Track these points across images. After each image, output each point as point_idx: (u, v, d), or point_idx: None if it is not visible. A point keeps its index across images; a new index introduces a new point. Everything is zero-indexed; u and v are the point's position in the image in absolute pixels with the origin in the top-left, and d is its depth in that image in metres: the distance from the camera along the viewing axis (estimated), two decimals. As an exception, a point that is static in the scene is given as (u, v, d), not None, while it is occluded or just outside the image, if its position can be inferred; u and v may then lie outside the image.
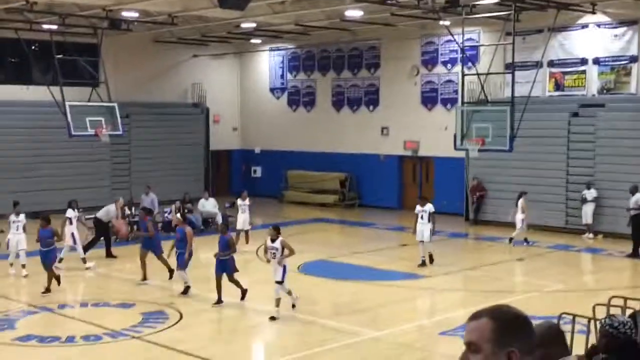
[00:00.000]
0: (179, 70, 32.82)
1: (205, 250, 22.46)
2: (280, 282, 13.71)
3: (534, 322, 2.62)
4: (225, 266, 14.80)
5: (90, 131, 24.04)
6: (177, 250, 15.84)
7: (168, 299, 15.09)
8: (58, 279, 15.86)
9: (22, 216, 17.99)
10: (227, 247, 14.88)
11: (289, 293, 13.98)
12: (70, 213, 18.27)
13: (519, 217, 21.15)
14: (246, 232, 21.14)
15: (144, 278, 16.75)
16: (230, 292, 16.04)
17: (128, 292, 16.15)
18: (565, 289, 16.34)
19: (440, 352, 12.20)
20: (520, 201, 21.23)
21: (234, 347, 12.72)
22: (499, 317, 2.54)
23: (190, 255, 15.75)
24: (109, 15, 23.10)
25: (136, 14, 23.75)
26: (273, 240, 13.76)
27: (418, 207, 18.37)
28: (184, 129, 31.49)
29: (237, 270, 14.97)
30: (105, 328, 13.12)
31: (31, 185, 26.66)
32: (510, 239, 21.17)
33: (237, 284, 14.90)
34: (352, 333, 13.00)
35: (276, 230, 13.88)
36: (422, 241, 18.23)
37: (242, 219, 21.11)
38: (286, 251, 13.69)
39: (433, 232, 18.35)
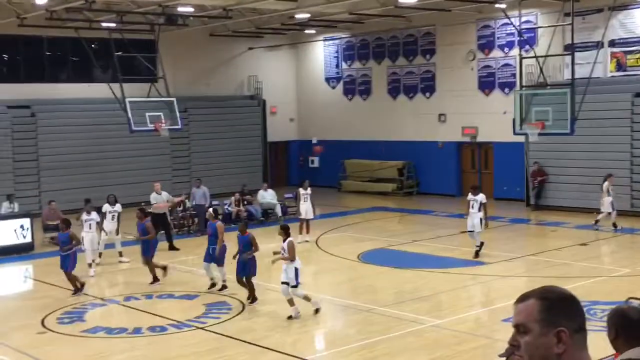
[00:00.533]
0: (235, 63, 33.10)
1: (265, 241, 22.71)
2: (295, 286, 13.19)
3: (607, 307, 2.61)
4: (246, 267, 14.32)
5: (150, 126, 24.43)
6: (210, 246, 15.34)
7: (230, 290, 15.25)
8: (81, 284, 15.48)
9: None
10: (248, 247, 14.42)
11: (306, 298, 13.36)
12: (105, 207, 18.64)
13: (606, 200, 20.64)
14: (307, 221, 21.17)
15: (155, 280, 16.12)
16: (302, 284, 16.18)
17: (191, 283, 16.40)
18: (632, 273, 16.00)
19: (502, 339, 12.03)
20: (605, 184, 20.74)
21: (297, 336, 12.82)
22: (546, 297, 2.53)
23: (224, 250, 15.26)
24: (165, 11, 23.44)
25: (191, 9, 24.04)
26: (283, 241, 13.43)
27: (470, 195, 18.12)
28: (241, 121, 31.77)
29: (255, 274, 14.45)
30: (171, 319, 13.37)
31: (95, 181, 27.25)
32: (596, 221, 20.79)
33: (251, 288, 14.35)
34: (414, 321, 12.97)
35: (284, 230, 13.56)
36: (472, 231, 17.90)
37: (305, 208, 21.10)
38: (285, 254, 13.24)
39: (485, 223, 17.93)
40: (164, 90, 25.33)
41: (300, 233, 20.72)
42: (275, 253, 13.66)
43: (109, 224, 18.66)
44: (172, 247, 20.32)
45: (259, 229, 23.75)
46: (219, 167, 30.57)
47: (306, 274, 16.47)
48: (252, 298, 14.33)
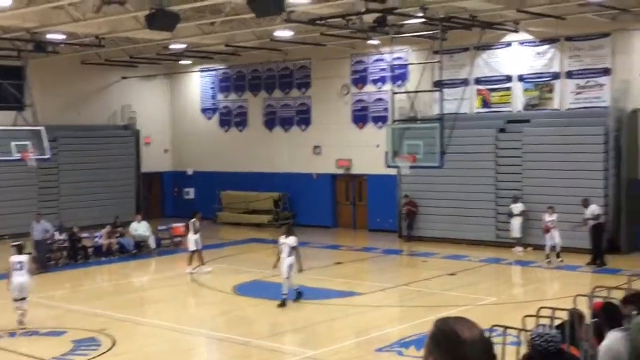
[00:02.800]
0: (108, 92, 32.38)
1: (137, 274, 22.19)
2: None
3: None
4: None
5: (16, 156, 23.48)
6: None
7: (100, 325, 14.76)
8: None
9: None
10: None
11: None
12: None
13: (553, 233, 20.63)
14: (199, 251, 20.81)
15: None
16: (163, 316, 15.90)
17: (58, 319, 15.75)
18: (497, 301, 16.66)
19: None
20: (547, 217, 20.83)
21: (170, 371, 12.52)
22: (433, 326, 2.71)
23: None
24: (34, 38, 22.67)
25: (62, 36, 23.36)
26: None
27: (281, 239, 16.56)
28: (114, 151, 31.02)
29: None
30: (35, 357, 12.77)
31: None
32: (547, 256, 20.70)
33: None
34: (289, 353, 12.96)
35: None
36: (288, 277, 16.33)
37: (194, 240, 20.74)
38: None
39: (299, 268, 16.50)
40: (31, 118, 24.43)
41: (189, 264, 20.55)
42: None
43: None
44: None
45: (132, 261, 23.22)
46: (90, 198, 29.67)
47: (180, 307, 16.21)
48: None
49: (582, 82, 23.30)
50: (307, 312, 16.42)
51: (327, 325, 15.07)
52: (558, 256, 20.63)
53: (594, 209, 20.41)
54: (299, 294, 16.64)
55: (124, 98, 32.54)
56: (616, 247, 21.78)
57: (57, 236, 22.77)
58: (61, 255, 22.67)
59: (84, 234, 23.65)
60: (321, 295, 17.89)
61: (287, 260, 16.32)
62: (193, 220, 21.17)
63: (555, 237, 20.56)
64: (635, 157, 22.21)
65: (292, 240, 16.46)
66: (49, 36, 23.05)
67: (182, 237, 25.48)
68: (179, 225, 25.81)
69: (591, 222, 20.31)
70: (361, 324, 15.18)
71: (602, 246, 20.45)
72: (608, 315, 6.46)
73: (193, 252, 20.69)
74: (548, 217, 20.70)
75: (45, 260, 21.36)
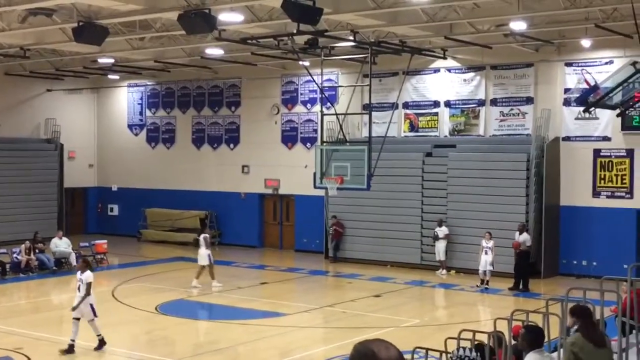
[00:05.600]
0: (32, 104, 31.59)
1: (57, 292, 21.61)
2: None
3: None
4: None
5: None
6: None
7: (16, 344, 14.29)
8: None
9: None
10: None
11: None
12: None
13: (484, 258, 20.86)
14: (211, 267, 20.79)
15: None
16: (82, 335, 15.49)
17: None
18: (420, 323, 16.84)
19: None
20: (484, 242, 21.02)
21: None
22: (353, 349, 2.84)
23: None
24: (-45, 46, 22.01)
25: (-14, 46, 22.76)
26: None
27: (78, 274, 14.40)
28: (36, 165, 30.22)
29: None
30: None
31: None
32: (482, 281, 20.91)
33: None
34: (212, 374, 12.78)
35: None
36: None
37: (206, 255, 20.69)
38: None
39: (76, 305, 14.04)
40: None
41: (197, 278, 20.62)
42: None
43: None
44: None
45: (52, 278, 22.62)
46: (9, 212, 28.79)
47: (102, 326, 15.78)
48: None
49: (506, 109, 23.93)
50: (231, 333, 16.28)
51: (251, 345, 14.95)
52: (486, 282, 20.80)
53: (526, 237, 20.88)
54: (101, 342, 14.16)
55: (48, 111, 31.79)
56: (537, 271, 22.32)
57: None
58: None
59: (2, 250, 22.94)
60: (246, 315, 17.77)
61: (87, 300, 14.05)
62: (204, 235, 21.27)
63: (487, 263, 20.80)
64: (556, 184, 22.88)
65: (87, 276, 14.10)
66: (-29, 45, 22.43)
67: (104, 255, 25.01)
68: (101, 242, 25.32)
69: (521, 248, 20.75)
70: (286, 345, 15.11)
71: (525, 274, 20.80)
72: (529, 337, 6.61)
73: (203, 267, 20.71)
74: (485, 243, 21.02)
75: (89, 262, 20.56)
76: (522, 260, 20.84)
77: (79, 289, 14.07)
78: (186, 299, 19.61)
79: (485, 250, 20.90)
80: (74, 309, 13.96)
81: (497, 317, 9.66)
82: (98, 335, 14.11)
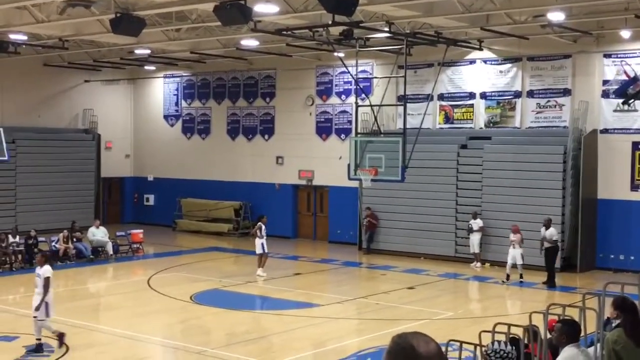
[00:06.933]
0: (70, 95, 32.00)
1: (94, 280, 21.92)
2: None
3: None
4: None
5: (-27, 156, 23.10)
6: None
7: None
8: None
9: None
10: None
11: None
12: None
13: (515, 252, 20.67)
14: (265, 255, 21.25)
15: None
16: (118, 323, 15.74)
17: (11, 324, 15.46)
18: (454, 316, 16.77)
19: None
20: (513, 237, 20.75)
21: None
22: (391, 341, 2.74)
23: None
24: (-5, 37, 22.34)
25: (25, 37, 23.06)
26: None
27: (37, 269, 13.70)
28: (74, 155, 30.62)
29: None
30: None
31: None
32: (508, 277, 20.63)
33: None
34: (245, 363, 12.88)
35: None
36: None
37: (260, 243, 21.05)
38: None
39: (37, 305, 13.18)
40: (-10, 119, 24.07)
41: (259, 266, 21.06)
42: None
43: None
44: None
45: (89, 267, 22.93)
46: (48, 201, 29.24)
47: (137, 315, 16.03)
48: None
49: (542, 101, 23.66)
50: (265, 323, 16.38)
51: (284, 336, 15.02)
52: (520, 276, 20.61)
53: (552, 232, 20.43)
54: (39, 347, 13.14)
55: (86, 102, 32.19)
56: (572, 265, 22.09)
57: (12, 239, 22.40)
58: (16, 258, 22.28)
59: (41, 238, 23.30)
60: (279, 305, 17.85)
61: (38, 298, 13.21)
62: (260, 224, 21.35)
63: (516, 257, 20.62)
64: (593, 177, 22.59)
65: (45, 270, 13.24)
66: (12, 36, 22.73)
67: (140, 244, 25.29)
68: (137, 232, 25.59)
69: (547, 244, 20.30)
70: (319, 336, 15.16)
71: (554, 268, 20.48)
72: (566, 331, 6.53)
73: (260, 255, 21.05)
74: (512, 237, 20.80)
75: (48, 256, 20.89)
76: (549, 255, 20.39)
77: (37, 284, 13.18)
78: (221, 288, 19.75)
79: (513, 245, 20.69)
80: (37, 308, 13.03)
81: (532, 311, 9.59)
82: (38, 340, 13.13)
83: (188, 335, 14.92)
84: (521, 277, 20.59)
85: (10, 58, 26.18)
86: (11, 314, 16.41)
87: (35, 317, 13.08)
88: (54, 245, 23.31)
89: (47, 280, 13.07)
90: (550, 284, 20.14)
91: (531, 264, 20.99)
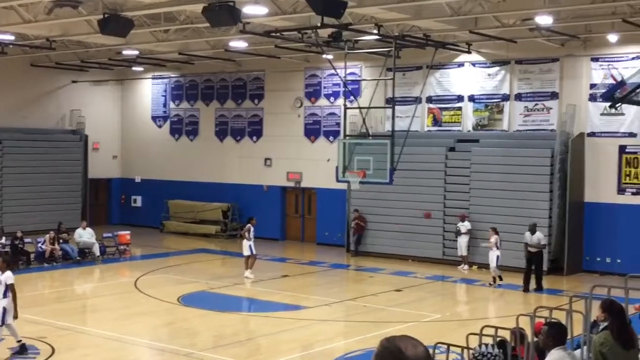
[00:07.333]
0: (57, 95, 31.84)
1: (80, 282, 21.81)
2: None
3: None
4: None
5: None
6: None
7: (40, 333, 14.44)
8: None
9: None
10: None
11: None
12: None
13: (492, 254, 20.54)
14: (253, 257, 21.29)
15: None
16: (105, 325, 15.67)
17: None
18: (442, 318, 16.79)
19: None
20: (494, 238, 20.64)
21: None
22: (379, 344, 2.75)
23: None
24: (-18, 37, 22.20)
25: (12, 37, 22.93)
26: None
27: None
28: (61, 156, 30.48)
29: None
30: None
31: None
32: (494, 279, 20.53)
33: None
34: (232, 365, 12.83)
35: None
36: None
37: (248, 245, 21.09)
38: None
39: (14, 314, 12.99)
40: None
41: (246, 268, 21.11)
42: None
43: None
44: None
45: (76, 268, 22.82)
46: (34, 202, 29.08)
47: (123, 317, 15.94)
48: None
49: (530, 104, 23.75)
50: (252, 325, 16.35)
51: (272, 338, 14.99)
52: (494, 280, 20.51)
53: (540, 236, 20.20)
54: (22, 348, 13.05)
55: (73, 102, 32.05)
56: (559, 268, 22.16)
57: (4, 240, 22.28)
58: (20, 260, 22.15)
59: (27, 240, 23.18)
60: (267, 308, 17.82)
61: (1, 303, 12.80)
62: (248, 225, 21.33)
63: (492, 259, 20.47)
64: (580, 180, 22.69)
65: (7, 276, 12.88)
66: (-2, 36, 22.61)
67: (127, 245, 25.19)
68: (125, 233, 25.49)
69: (533, 249, 19.93)
70: (306, 338, 15.14)
71: (541, 273, 20.11)
72: (553, 333, 6.55)
73: (247, 257, 21.11)
74: (490, 239, 20.74)
75: (9, 261, 20.80)
76: (537, 259, 20.00)
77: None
78: (208, 290, 19.70)
79: (490, 247, 20.66)
80: (15, 316, 12.84)
81: (519, 314, 9.60)
82: (18, 342, 12.91)
83: (175, 337, 14.86)
84: (500, 278, 20.54)
85: (-3, 58, 26.04)
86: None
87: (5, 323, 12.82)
88: (40, 247, 23.19)
89: (11, 287, 12.71)
90: (536, 287, 19.98)
91: (517, 266, 21.02)
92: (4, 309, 12.67)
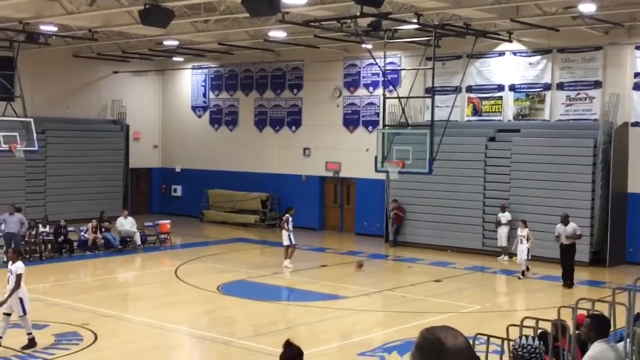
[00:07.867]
0: (99, 86, 32.25)
1: (122, 270, 22.11)
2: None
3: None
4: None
5: (4, 146, 23.37)
6: None
7: (83, 320, 14.68)
8: None
9: None
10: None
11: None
12: None
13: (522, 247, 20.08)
14: (292, 247, 21.41)
15: None
16: (146, 313, 15.87)
17: (41, 312, 15.63)
18: (481, 309, 16.68)
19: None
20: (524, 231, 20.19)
21: (151, 369, 12.47)
22: (419, 334, 2.73)
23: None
24: (26, 29, 22.53)
25: (55, 28, 23.24)
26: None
27: (9, 265, 13.26)
28: (103, 145, 30.89)
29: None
30: (16, 350, 12.67)
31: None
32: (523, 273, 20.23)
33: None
34: (271, 354, 12.89)
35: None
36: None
37: (287, 235, 21.24)
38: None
39: (3, 301, 12.82)
40: (21, 109, 24.32)
41: (286, 258, 21.27)
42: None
43: None
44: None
45: (117, 257, 23.13)
46: (77, 191, 29.55)
47: (164, 305, 16.12)
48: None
49: (572, 94, 23.39)
50: (291, 314, 16.41)
51: (310, 327, 15.04)
52: (523, 273, 20.19)
53: (575, 226, 19.47)
54: (31, 342, 12.91)
55: (114, 93, 32.43)
56: (601, 259, 21.85)
57: (42, 229, 22.66)
58: (46, 247, 22.54)
59: (70, 228, 23.56)
60: (305, 297, 17.88)
61: (16, 294, 12.76)
62: (287, 216, 21.47)
63: (522, 252, 20.03)
64: (624, 170, 22.31)
65: (17, 266, 12.82)
66: (42, 27, 22.94)
67: (167, 234, 25.46)
68: (165, 222, 25.77)
69: (568, 241, 19.30)
70: (344, 328, 15.17)
71: (573, 267, 19.36)
72: (595, 326, 6.46)
73: (287, 247, 21.24)
74: (520, 232, 20.28)
75: (21, 252, 21.20)
76: (570, 252, 19.27)
77: (8, 280, 12.76)
78: (247, 279, 19.82)
79: (520, 239, 20.26)
80: (2, 303, 12.66)
81: (561, 305, 9.49)
82: (28, 334, 12.85)
83: (215, 326, 14.99)
84: (527, 270, 20.16)
85: (41, 49, 26.43)
86: (41, 302, 16.57)
87: (6, 313, 12.76)
88: (83, 235, 23.56)
89: (19, 277, 12.68)
90: (567, 284, 19.12)
91: (557, 257, 20.70)
92: (20, 299, 12.70)
